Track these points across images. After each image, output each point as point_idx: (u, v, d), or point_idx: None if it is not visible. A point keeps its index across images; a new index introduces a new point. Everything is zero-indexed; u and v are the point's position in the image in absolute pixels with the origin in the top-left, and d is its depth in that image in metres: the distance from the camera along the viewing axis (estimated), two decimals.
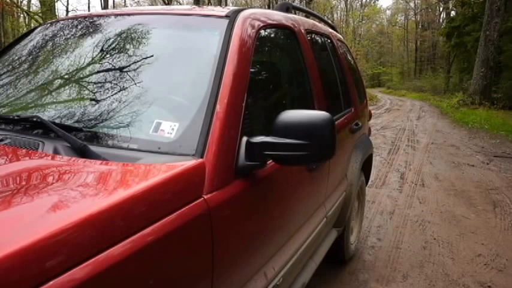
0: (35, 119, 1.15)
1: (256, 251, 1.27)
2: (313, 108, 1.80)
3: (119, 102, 1.20)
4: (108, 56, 1.42)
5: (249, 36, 1.35)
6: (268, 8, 18.95)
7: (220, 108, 1.11)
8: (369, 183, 3.56)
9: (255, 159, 1.13)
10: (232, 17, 1.35)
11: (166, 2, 19.99)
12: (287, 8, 2.01)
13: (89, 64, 1.41)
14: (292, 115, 1.13)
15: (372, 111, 4.12)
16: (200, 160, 1.00)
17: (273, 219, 1.40)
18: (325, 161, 1.48)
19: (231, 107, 1.13)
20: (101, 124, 1.15)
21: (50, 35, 1.68)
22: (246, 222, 1.19)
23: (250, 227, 1.22)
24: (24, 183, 0.86)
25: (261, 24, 1.48)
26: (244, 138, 1.13)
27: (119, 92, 1.24)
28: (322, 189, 1.95)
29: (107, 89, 1.28)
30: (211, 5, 20.48)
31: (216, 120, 1.09)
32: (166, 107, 1.22)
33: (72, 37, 1.62)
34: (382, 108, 15.38)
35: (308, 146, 1.10)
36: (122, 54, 1.39)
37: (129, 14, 1.66)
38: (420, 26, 40.58)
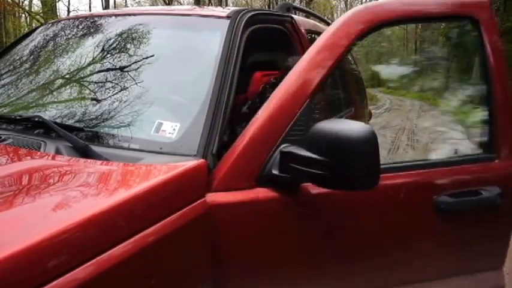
0: (36, 119, 1.15)
1: (294, 275, 1.08)
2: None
3: (121, 102, 1.20)
4: (109, 56, 1.42)
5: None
6: (269, 8, 18.96)
7: (262, 113, 1.04)
8: None
9: (285, 171, 0.99)
10: (233, 18, 1.35)
11: (167, 2, 20.00)
12: (288, 9, 2.01)
13: (90, 64, 1.41)
14: (324, 125, 0.94)
15: (372, 111, 4.11)
16: (201, 160, 1.00)
17: (333, 252, 1.12)
18: (360, 190, 0.97)
19: (276, 111, 1.04)
20: (103, 124, 1.16)
21: (51, 35, 1.68)
22: (277, 235, 1.05)
23: (287, 243, 1.06)
24: (26, 183, 0.87)
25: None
26: (283, 145, 1.01)
27: (120, 92, 1.24)
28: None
29: (109, 89, 1.28)
30: (211, 5, 20.48)
31: (251, 125, 1.02)
32: (167, 108, 1.22)
33: (73, 37, 1.62)
34: (382, 108, 15.37)
35: (329, 165, 0.89)
36: (123, 54, 1.40)
37: (130, 14, 1.67)
38: (420, 26, 40.54)
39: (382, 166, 0.95)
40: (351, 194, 1.00)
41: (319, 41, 1.13)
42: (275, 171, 0.99)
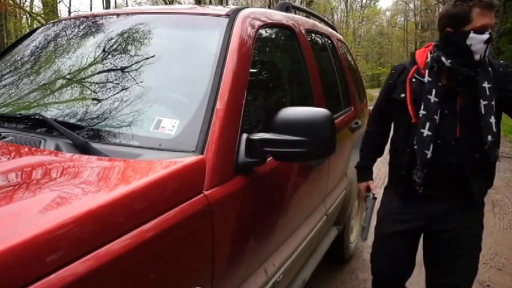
0: (37, 117, 1.16)
1: (257, 247, 1.28)
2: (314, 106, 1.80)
3: (121, 100, 1.21)
4: (109, 55, 1.43)
5: (249, 35, 1.36)
6: (269, 7, 18.95)
7: (220, 105, 1.12)
8: None
9: (255, 156, 1.14)
10: (232, 16, 1.36)
11: (168, 2, 20.03)
12: (287, 8, 2.02)
13: (90, 63, 1.42)
14: (292, 112, 1.14)
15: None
16: (200, 156, 1.01)
17: (273, 216, 1.41)
18: (325, 158, 1.44)
19: (231, 104, 1.14)
20: (103, 122, 1.16)
21: (52, 35, 1.69)
22: (247, 218, 1.19)
23: (251, 224, 1.22)
24: (25, 179, 0.87)
25: (261, 24, 1.49)
26: (245, 135, 1.14)
27: (120, 90, 1.25)
28: (322, 186, 1.96)
29: (109, 87, 1.29)
30: (212, 4, 20.50)
31: (215, 117, 1.10)
32: (167, 105, 1.23)
33: (73, 37, 1.63)
34: None
35: (307, 143, 1.10)
36: (123, 53, 1.41)
37: (130, 14, 1.67)
38: (420, 27, 40.54)
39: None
40: (289, 165, 1.42)
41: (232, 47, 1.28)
42: (247, 158, 1.12)
